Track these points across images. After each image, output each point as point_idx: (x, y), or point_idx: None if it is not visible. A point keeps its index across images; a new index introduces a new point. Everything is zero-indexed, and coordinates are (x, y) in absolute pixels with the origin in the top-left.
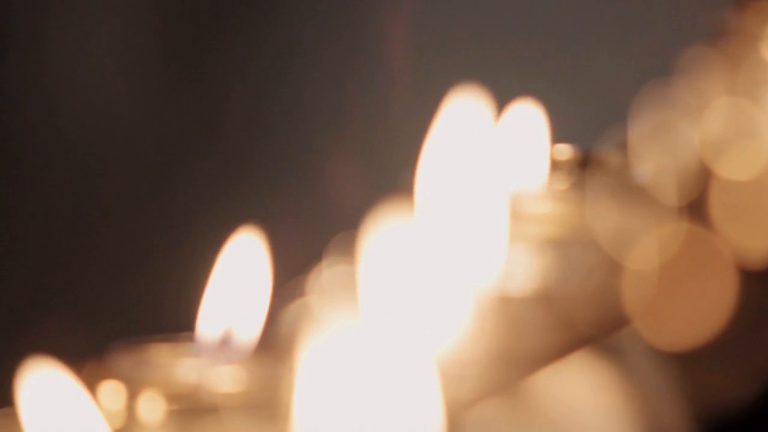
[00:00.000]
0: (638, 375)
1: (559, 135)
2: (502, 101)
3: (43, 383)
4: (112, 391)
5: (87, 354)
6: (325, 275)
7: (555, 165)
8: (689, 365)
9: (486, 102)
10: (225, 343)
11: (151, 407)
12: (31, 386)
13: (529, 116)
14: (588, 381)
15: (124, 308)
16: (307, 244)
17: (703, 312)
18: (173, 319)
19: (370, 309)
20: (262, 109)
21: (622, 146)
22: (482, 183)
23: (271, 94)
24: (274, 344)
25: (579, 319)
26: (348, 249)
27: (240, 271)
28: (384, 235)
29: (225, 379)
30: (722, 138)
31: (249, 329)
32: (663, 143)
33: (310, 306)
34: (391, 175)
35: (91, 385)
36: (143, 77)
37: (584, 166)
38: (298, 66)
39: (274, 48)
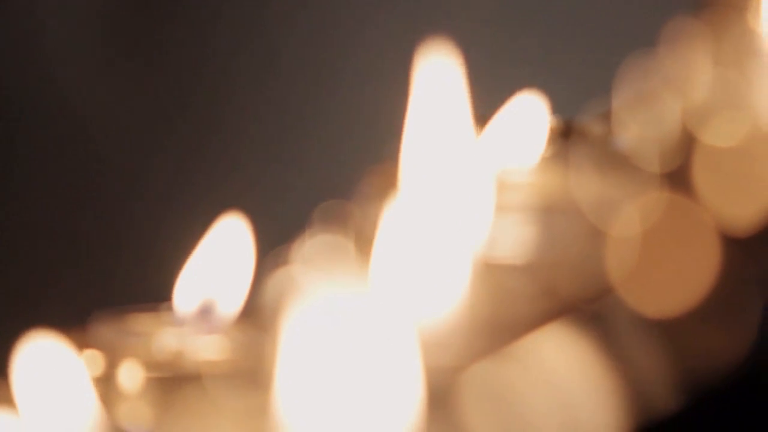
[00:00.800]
0: (621, 342)
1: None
2: (486, 71)
3: (37, 353)
4: (92, 359)
5: (71, 324)
6: (308, 244)
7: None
8: (673, 332)
9: (455, 58)
10: (206, 312)
11: (132, 376)
12: (24, 356)
13: (532, 106)
14: (571, 349)
15: (108, 280)
16: (290, 214)
17: (686, 279)
18: (157, 290)
19: (356, 277)
20: (234, 74)
21: (605, 116)
22: (468, 153)
23: (245, 62)
24: (256, 313)
25: (563, 287)
26: (332, 218)
27: (222, 243)
28: (369, 206)
29: (206, 348)
30: (706, 106)
31: (230, 299)
32: (646, 112)
33: (294, 275)
34: (374, 146)
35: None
36: (113, 61)
37: (567, 135)
38: (268, 38)
39: (245, 26)
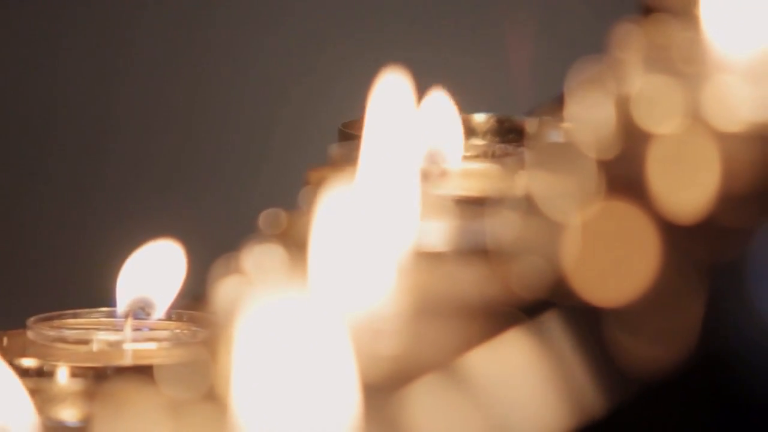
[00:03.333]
0: (563, 337)
1: (491, 102)
2: (431, 73)
3: None
4: (30, 362)
5: (9, 324)
6: (254, 250)
7: (481, 129)
8: (617, 322)
9: (408, 82)
10: (141, 312)
11: (69, 372)
12: None
13: (443, 101)
14: (516, 358)
15: (47, 284)
16: (230, 222)
17: (630, 268)
18: (94, 295)
19: (298, 282)
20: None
21: (548, 110)
22: (401, 146)
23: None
24: (190, 312)
25: (503, 274)
26: (275, 225)
27: (157, 247)
28: (312, 204)
29: (141, 344)
30: (648, 100)
31: (164, 299)
32: (590, 106)
33: (241, 280)
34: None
35: (11, 355)
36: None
37: (509, 130)
38: (206, 61)
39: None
